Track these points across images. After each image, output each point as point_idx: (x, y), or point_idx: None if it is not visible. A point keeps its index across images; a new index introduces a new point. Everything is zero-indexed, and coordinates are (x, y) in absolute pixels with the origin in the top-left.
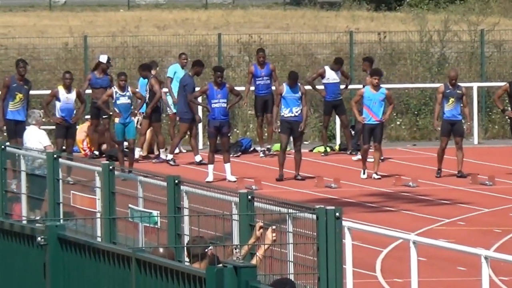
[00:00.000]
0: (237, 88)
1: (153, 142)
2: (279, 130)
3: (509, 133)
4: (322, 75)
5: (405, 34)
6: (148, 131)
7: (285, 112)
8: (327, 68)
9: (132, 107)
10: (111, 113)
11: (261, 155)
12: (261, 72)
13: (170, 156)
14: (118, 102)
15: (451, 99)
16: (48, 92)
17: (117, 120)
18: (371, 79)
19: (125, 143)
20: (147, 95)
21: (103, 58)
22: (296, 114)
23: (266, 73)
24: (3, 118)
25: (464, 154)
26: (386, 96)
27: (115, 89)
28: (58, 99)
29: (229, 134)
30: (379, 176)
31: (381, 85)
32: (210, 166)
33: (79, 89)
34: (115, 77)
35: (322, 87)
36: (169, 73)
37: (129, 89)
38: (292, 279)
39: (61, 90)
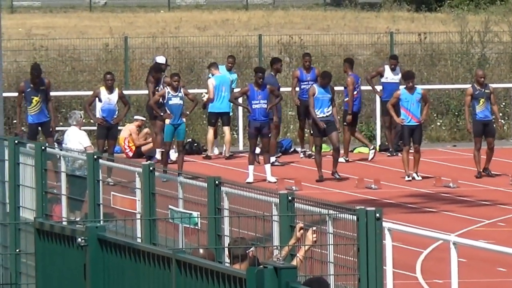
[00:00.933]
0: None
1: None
2: (311, 132)
3: None
4: (381, 74)
5: (445, 35)
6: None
7: (317, 113)
8: (386, 67)
9: (184, 108)
10: (162, 114)
11: (301, 155)
12: (307, 77)
13: (273, 159)
14: (170, 102)
15: (481, 100)
16: (89, 93)
17: (167, 121)
18: (406, 83)
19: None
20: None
21: (161, 60)
22: (327, 114)
23: (312, 77)
24: (19, 123)
25: (494, 154)
26: (422, 96)
27: (167, 89)
28: (100, 100)
29: (269, 135)
30: (420, 177)
31: (416, 86)
32: (251, 167)
33: (121, 89)
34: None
35: (380, 87)
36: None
37: (182, 90)
38: (331, 280)
39: (102, 91)
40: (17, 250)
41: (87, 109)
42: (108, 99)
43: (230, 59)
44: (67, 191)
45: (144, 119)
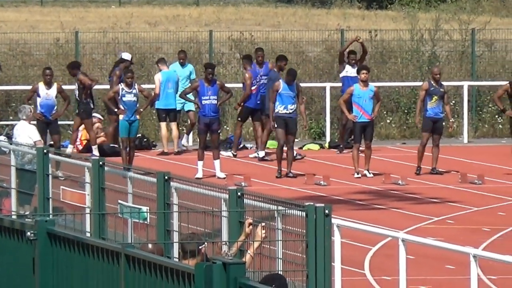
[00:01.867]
0: (227, 85)
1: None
2: (275, 126)
3: (499, 132)
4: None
5: (396, 33)
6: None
7: (280, 109)
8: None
9: (138, 105)
10: (116, 110)
11: (255, 155)
12: (260, 71)
13: (262, 153)
14: (124, 99)
15: (435, 97)
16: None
17: (121, 117)
18: (360, 74)
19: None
20: (77, 92)
21: (127, 56)
22: (290, 112)
23: (265, 72)
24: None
25: (442, 152)
26: (375, 93)
27: (122, 85)
28: (38, 95)
29: (219, 131)
30: (371, 175)
31: (370, 83)
32: (200, 163)
33: (60, 84)
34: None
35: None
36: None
37: (136, 86)
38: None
39: (41, 86)
40: None
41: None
42: (46, 94)
43: (181, 55)
44: (16, 185)
45: (101, 117)
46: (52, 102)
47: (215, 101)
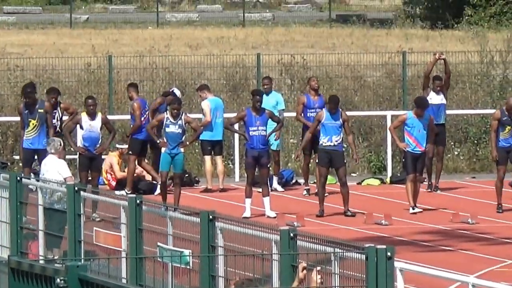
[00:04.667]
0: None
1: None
2: (317, 161)
3: None
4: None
5: (463, 55)
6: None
7: (324, 141)
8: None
9: (184, 137)
10: (159, 141)
11: (304, 192)
12: (315, 103)
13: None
14: (167, 130)
15: (508, 127)
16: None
17: (163, 150)
18: (415, 109)
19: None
20: (58, 123)
21: (177, 93)
22: (336, 144)
23: (320, 104)
24: (22, 147)
25: None
26: (430, 122)
27: (167, 114)
28: (81, 127)
29: (268, 165)
30: (419, 209)
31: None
32: (247, 200)
33: (105, 115)
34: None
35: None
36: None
37: (183, 117)
38: None
39: (84, 117)
40: None
41: (67, 137)
42: (90, 126)
43: (265, 80)
44: (44, 226)
45: (125, 146)
46: (96, 135)
47: (264, 132)
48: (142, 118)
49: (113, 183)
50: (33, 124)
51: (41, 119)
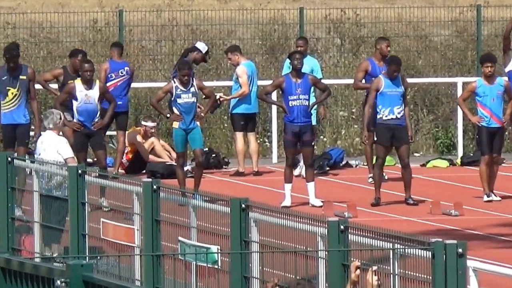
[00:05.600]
0: (324, 80)
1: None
2: (375, 139)
3: None
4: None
5: None
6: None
7: (384, 114)
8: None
9: (198, 108)
10: (168, 115)
11: (370, 180)
12: (381, 69)
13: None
14: (179, 100)
15: None
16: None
17: (176, 124)
18: (482, 68)
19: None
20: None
21: (201, 46)
22: (399, 116)
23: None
24: None
25: None
26: (506, 88)
27: (175, 82)
28: (75, 98)
29: (313, 143)
30: (498, 198)
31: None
32: (287, 186)
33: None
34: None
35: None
36: (284, 69)
37: (195, 83)
38: None
39: (78, 86)
40: None
41: (59, 110)
42: (86, 96)
43: (300, 41)
44: (41, 218)
45: (153, 125)
46: (93, 107)
47: (307, 102)
48: (109, 84)
49: (126, 163)
50: (12, 93)
51: (22, 88)
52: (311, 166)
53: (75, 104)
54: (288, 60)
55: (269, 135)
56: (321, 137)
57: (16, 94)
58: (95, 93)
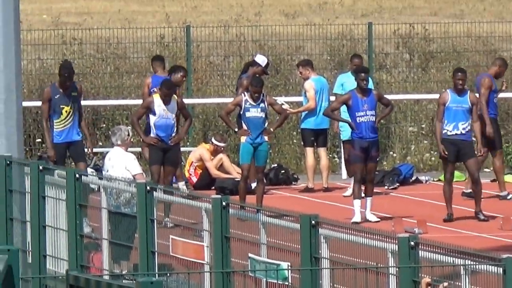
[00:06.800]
0: (389, 96)
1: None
2: (444, 153)
3: None
4: None
5: None
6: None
7: (448, 129)
8: None
9: (267, 123)
10: (236, 130)
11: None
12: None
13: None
14: (247, 114)
15: None
16: (138, 102)
17: (243, 139)
18: None
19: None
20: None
21: (261, 59)
22: (464, 132)
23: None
24: (51, 144)
25: None
26: None
27: (245, 96)
28: (153, 113)
29: (377, 159)
30: None
31: None
32: (356, 202)
33: (181, 98)
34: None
35: None
36: (336, 87)
37: (266, 99)
38: None
39: (156, 101)
40: None
41: (135, 125)
42: (164, 111)
43: (356, 60)
44: (109, 235)
45: (223, 145)
46: (171, 122)
47: (374, 118)
48: None
49: (194, 179)
50: (66, 111)
51: (75, 105)
52: (372, 182)
53: (152, 119)
54: (340, 77)
55: (338, 150)
56: (391, 152)
57: (69, 112)
58: (173, 108)
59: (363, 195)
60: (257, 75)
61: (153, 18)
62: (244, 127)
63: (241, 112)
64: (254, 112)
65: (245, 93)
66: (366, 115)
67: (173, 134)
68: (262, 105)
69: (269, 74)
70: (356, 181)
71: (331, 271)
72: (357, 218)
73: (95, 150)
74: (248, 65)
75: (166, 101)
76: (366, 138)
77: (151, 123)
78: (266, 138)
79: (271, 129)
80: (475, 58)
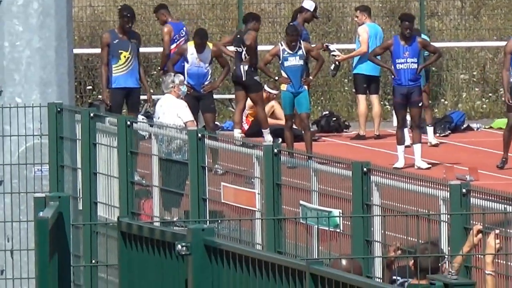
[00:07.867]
0: (440, 44)
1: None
2: (509, 101)
3: None
4: None
5: None
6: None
7: None
8: None
9: (304, 71)
10: (276, 78)
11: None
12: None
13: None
14: (286, 63)
15: None
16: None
17: (284, 87)
18: None
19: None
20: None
21: (309, 5)
22: None
23: None
24: (106, 88)
25: None
26: None
27: (282, 46)
28: (186, 60)
29: (420, 104)
30: None
31: None
32: (400, 148)
33: (219, 46)
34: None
35: None
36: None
37: (303, 45)
38: None
39: (190, 48)
40: (94, 261)
41: (171, 71)
42: (197, 59)
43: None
44: (160, 182)
45: (276, 92)
46: (204, 71)
47: (415, 65)
48: (173, 46)
49: (246, 126)
50: (124, 56)
51: (134, 51)
52: (418, 127)
53: (186, 66)
54: None
55: (390, 98)
56: (442, 100)
57: (128, 58)
58: (206, 56)
59: (409, 142)
60: (306, 21)
61: None
62: (284, 75)
63: (280, 62)
64: (293, 61)
65: (282, 42)
66: (407, 62)
67: (206, 82)
68: (300, 52)
69: (319, 17)
70: (398, 127)
71: (383, 218)
72: (400, 163)
73: (144, 97)
74: (297, 13)
75: (199, 49)
76: (405, 85)
77: (184, 71)
78: (305, 86)
79: (311, 77)
80: None
